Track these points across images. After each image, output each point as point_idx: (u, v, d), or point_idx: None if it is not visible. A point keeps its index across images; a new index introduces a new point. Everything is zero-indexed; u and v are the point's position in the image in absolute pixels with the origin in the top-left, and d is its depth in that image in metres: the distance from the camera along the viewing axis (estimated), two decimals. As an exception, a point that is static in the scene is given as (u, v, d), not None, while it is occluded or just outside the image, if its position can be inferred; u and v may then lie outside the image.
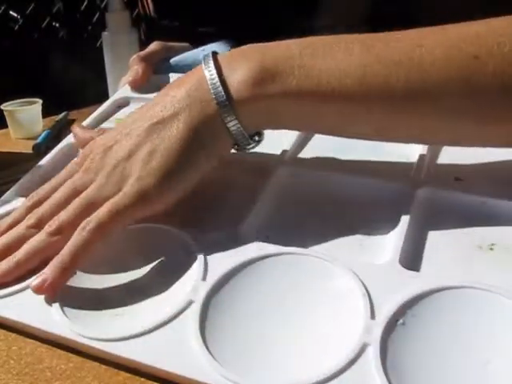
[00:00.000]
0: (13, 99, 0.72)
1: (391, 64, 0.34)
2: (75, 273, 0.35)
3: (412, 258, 0.34)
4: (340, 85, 0.34)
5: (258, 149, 0.40)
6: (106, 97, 0.73)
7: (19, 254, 0.36)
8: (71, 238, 0.34)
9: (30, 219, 0.37)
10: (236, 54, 0.37)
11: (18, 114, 0.70)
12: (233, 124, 0.36)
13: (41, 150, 0.65)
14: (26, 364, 0.31)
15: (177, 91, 0.37)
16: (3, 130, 0.72)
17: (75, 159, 0.41)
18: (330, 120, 0.37)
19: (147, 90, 0.58)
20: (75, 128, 0.48)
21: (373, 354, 0.28)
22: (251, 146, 0.38)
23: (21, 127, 0.70)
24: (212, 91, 0.36)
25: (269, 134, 0.39)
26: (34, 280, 0.33)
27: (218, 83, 0.36)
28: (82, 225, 0.34)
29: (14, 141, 0.70)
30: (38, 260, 0.36)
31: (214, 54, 0.38)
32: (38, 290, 0.33)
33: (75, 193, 0.37)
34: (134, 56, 0.59)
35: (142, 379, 0.30)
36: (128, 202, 0.35)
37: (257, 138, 0.38)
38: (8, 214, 0.41)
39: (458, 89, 0.33)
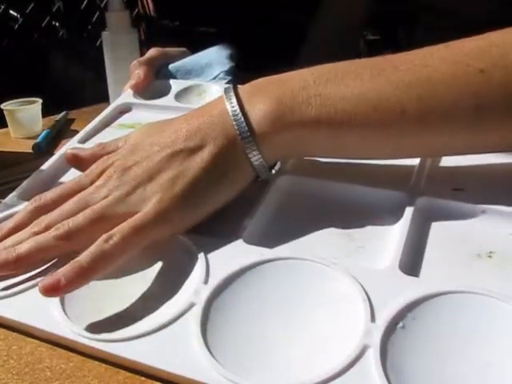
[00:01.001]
0: (12, 99, 0.72)
1: (402, 85, 0.35)
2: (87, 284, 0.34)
3: (411, 264, 0.34)
4: (355, 111, 0.35)
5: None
6: (105, 97, 0.73)
7: (21, 248, 0.35)
8: (90, 247, 0.34)
9: (36, 226, 0.37)
10: (255, 89, 0.39)
11: (17, 114, 0.70)
12: (255, 158, 0.37)
13: (40, 149, 0.65)
14: (25, 364, 0.31)
15: (199, 122, 0.38)
16: (3, 130, 0.72)
17: (85, 172, 0.40)
18: (349, 146, 0.38)
19: (149, 96, 0.58)
20: (71, 150, 0.45)
21: (373, 356, 0.28)
22: (270, 175, 0.40)
23: (21, 127, 0.70)
24: (236, 126, 0.37)
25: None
26: (45, 279, 0.33)
27: (242, 118, 0.37)
28: (103, 237, 0.34)
29: (14, 140, 0.70)
30: (39, 258, 0.35)
31: (235, 87, 0.39)
32: (47, 289, 0.32)
33: (87, 207, 0.37)
34: (134, 62, 0.60)
35: (143, 378, 0.30)
36: (150, 222, 0.35)
37: (276, 167, 0.41)
38: (10, 217, 0.41)
39: (468, 103, 0.34)
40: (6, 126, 0.71)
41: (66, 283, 0.32)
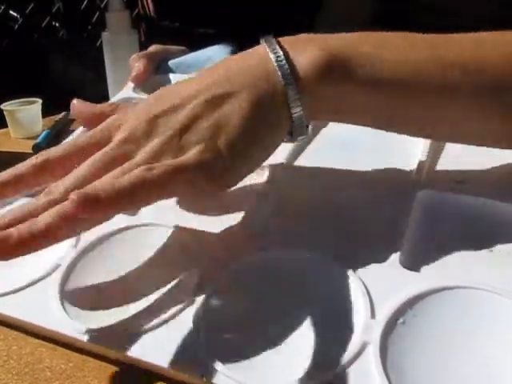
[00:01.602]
0: (13, 99, 0.72)
1: (460, 58, 0.34)
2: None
3: (412, 259, 0.34)
4: (413, 75, 0.34)
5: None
6: (105, 97, 0.73)
7: (43, 219, 0.29)
8: (130, 173, 0.30)
9: (51, 194, 0.31)
10: (299, 39, 0.36)
11: (17, 114, 0.70)
12: (296, 109, 0.34)
13: (40, 149, 0.64)
14: (25, 364, 0.31)
15: (237, 66, 0.35)
16: (3, 130, 0.72)
17: (99, 127, 0.36)
18: (394, 112, 0.36)
19: (148, 91, 0.58)
20: (77, 103, 0.42)
21: (373, 352, 0.28)
22: (302, 137, 0.36)
23: (21, 127, 0.70)
24: (278, 71, 0.34)
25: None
26: (83, 192, 0.28)
27: (285, 63, 0.34)
28: (144, 166, 0.30)
29: (14, 140, 0.70)
30: (67, 232, 0.30)
31: (271, 37, 0.36)
32: (85, 202, 0.28)
33: (112, 164, 0.32)
34: (134, 55, 0.60)
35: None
36: (192, 167, 0.32)
37: (308, 130, 0.37)
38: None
39: None
40: (6, 126, 0.71)
41: (106, 202, 0.28)
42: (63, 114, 0.76)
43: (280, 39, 0.36)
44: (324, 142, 0.39)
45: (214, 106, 0.33)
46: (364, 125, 0.38)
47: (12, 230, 0.29)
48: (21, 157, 0.63)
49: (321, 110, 0.35)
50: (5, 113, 0.70)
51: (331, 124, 0.48)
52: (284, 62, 0.34)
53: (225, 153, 0.33)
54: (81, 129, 0.52)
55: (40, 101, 0.71)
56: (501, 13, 0.40)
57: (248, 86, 0.34)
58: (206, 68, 0.37)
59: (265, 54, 0.34)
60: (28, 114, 0.71)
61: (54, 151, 0.35)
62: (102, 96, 0.74)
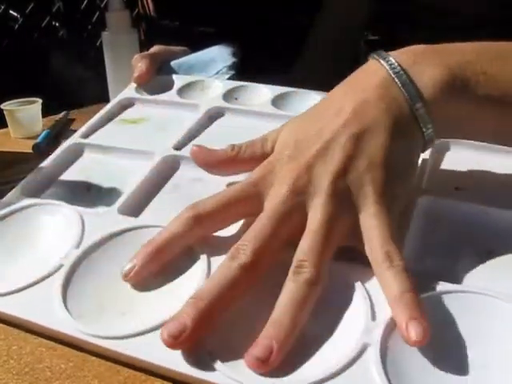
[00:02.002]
0: (12, 99, 0.72)
1: None
2: None
3: (411, 263, 0.34)
4: None
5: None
6: (105, 96, 0.73)
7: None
8: None
9: (238, 258, 0.31)
10: (415, 56, 0.36)
11: (17, 114, 0.70)
12: (428, 130, 0.35)
13: (40, 149, 0.64)
14: (25, 363, 0.31)
15: (365, 94, 0.35)
16: (3, 130, 0.72)
17: (248, 180, 0.35)
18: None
19: (151, 91, 0.58)
20: (198, 149, 0.40)
21: (373, 354, 0.28)
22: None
23: (20, 127, 0.70)
24: (406, 95, 0.34)
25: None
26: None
27: (412, 88, 0.34)
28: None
29: (14, 140, 0.70)
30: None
31: (385, 52, 0.36)
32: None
33: (288, 219, 0.33)
34: (136, 56, 0.60)
35: (143, 378, 0.30)
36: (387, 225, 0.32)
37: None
38: (9, 215, 0.41)
39: None
40: (6, 126, 0.71)
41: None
42: (63, 113, 0.76)
43: (395, 55, 0.36)
44: None
45: (360, 141, 0.34)
46: (494, 142, 0.39)
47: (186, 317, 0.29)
48: (21, 157, 0.63)
49: (445, 129, 0.36)
50: (5, 113, 0.70)
51: None
52: (410, 84, 0.34)
53: (386, 186, 0.33)
54: (82, 130, 0.52)
55: (40, 101, 0.71)
56: (501, 13, 0.40)
57: (383, 115, 0.34)
58: (320, 106, 0.37)
59: (384, 75, 0.35)
60: (28, 113, 0.70)
61: (204, 206, 0.34)
62: (102, 96, 0.74)
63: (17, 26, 1.61)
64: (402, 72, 0.34)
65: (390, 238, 0.31)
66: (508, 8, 0.40)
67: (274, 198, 0.33)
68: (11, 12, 1.62)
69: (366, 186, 0.33)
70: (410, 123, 0.34)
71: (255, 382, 0.28)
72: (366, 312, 0.30)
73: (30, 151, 0.64)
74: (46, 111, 0.74)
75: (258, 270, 0.31)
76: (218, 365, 0.28)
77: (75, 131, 0.52)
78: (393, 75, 0.34)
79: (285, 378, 0.28)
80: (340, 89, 0.37)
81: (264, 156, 0.37)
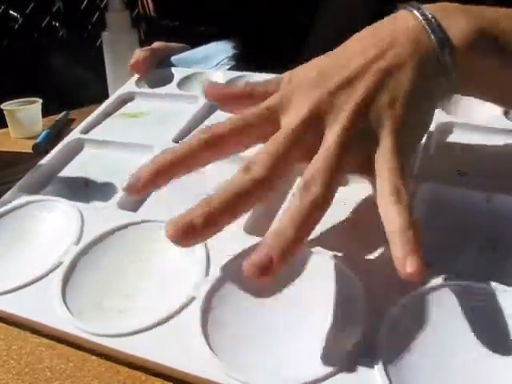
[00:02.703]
0: (12, 99, 0.72)
1: None
2: None
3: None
4: None
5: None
6: (105, 96, 0.73)
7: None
8: None
9: (251, 172, 0.31)
10: (447, 8, 0.36)
11: (17, 114, 0.70)
12: (452, 78, 0.35)
13: (40, 149, 0.65)
14: (25, 364, 0.31)
15: (394, 35, 0.35)
16: (3, 130, 0.72)
17: (259, 108, 0.35)
18: None
19: (151, 85, 0.58)
20: (211, 84, 0.40)
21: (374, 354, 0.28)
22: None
23: (20, 127, 0.70)
24: (434, 41, 0.34)
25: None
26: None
27: (441, 35, 0.34)
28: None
29: (14, 140, 0.70)
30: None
31: (416, 3, 0.36)
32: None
33: (303, 143, 0.32)
34: (137, 50, 0.60)
35: (143, 378, 0.30)
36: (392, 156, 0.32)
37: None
38: (9, 213, 0.41)
39: None
40: (6, 126, 0.71)
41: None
42: (63, 113, 0.76)
43: (426, 6, 0.36)
44: None
45: (385, 81, 0.34)
46: (494, 101, 0.39)
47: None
48: (21, 157, 0.63)
49: (467, 81, 0.36)
50: (5, 113, 0.70)
51: None
52: (439, 32, 0.34)
53: (406, 124, 0.33)
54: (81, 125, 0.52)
55: (40, 101, 0.71)
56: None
57: (410, 56, 0.34)
58: (352, 39, 0.37)
59: (416, 22, 0.35)
60: (28, 113, 0.70)
61: (221, 127, 0.34)
62: (102, 96, 0.74)
63: (17, 25, 1.61)
64: (433, 20, 0.35)
65: (400, 173, 0.31)
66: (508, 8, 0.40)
67: (292, 119, 0.33)
68: (11, 12, 1.62)
69: (385, 121, 0.33)
70: (435, 69, 0.34)
71: (257, 380, 0.28)
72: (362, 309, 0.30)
73: (30, 151, 0.64)
74: (46, 111, 0.74)
75: (269, 186, 0.31)
76: (218, 362, 0.28)
77: (75, 131, 0.52)
78: (423, 22, 0.35)
79: (285, 375, 0.28)
80: (366, 31, 0.37)
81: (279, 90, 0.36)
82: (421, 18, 0.35)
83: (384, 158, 0.32)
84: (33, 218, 0.40)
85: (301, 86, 0.35)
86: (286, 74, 0.37)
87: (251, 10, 0.75)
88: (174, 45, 0.65)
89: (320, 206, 0.30)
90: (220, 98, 0.39)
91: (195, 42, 0.67)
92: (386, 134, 0.32)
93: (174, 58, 0.62)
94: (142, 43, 0.75)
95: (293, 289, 0.32)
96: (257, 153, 0.32)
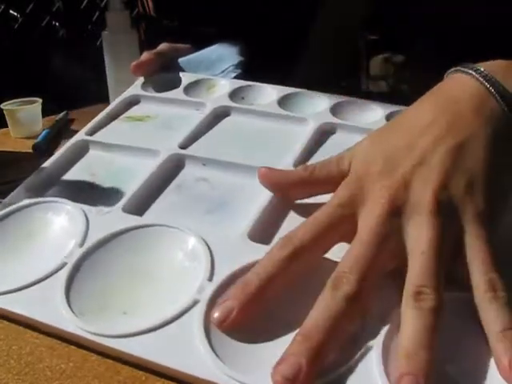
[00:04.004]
0: (12, 99, 0.72)
1: None
2: None
3: None
4: None
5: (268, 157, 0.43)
6: (105, 96, 0.73)
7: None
8: None
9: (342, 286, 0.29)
10: (504, 69, 0.34)
11: (17, 114, 0.70)
12: None
13: (40, 149, 0.65)
14: (25, 364, 0.31)
15: (458, 105, 0.33)
16: (3, 130, 0.72)
17: (334, 202, 0.33)
18: None
19: (158, 89, 0.58)
20: (266, 170, 0.39)
21: (375, 355, 0.28)
22: None
23: (21, 126, 0.70)
24: (504, 106, 0.33)
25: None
26: None
27: (510, 99, 0.33)
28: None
29: (14, 140, 0.70)
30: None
31: (472, 64, 0.34)
32: None
33: (387, 247, 0.30)
34: (144, 53, 0.60)
35: (143, 378, 0.30)
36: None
37: None
38: (10, 215, 0.40)
39: None
40: (6, 126, 0.71)
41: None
42: (63, 113, 0.76)
43: (483, 66, 0.34)
44: (333, 148, 0.41)
45: (458, 156, 0.32)
46: None
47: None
48: (21, 157, 0.63)
49: None
50: (5, 113, 0.70)
51: (339, 132, 0.49)
52: (507, 95, 0.32)
53: (492, 201, 0.31)
54: (84, 131, 0.52)
55: (40, 100, 0.71)
56: (501, 16, 0.40)
57: (480, 126, 0.32)
58: (412, 110, 0.35)
59: (480, 86, 0.33)
60: (28, 113, 0.70)
61: (299, 237, 0.32)
62: (101, 96, 0.74)
63: (17, 25, 1.61)
64: (497, 83, 0.33)
65: (492, 264, 0.29)
66: (508, 8, 0.40)
67: (369, 220, 0.31)
68: (11, 12, 1.62)
69: (467, 204, 0.31)
70: (510, 136, 0.32)
71: (258, 381, 0.28)
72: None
73: (30, 151, 0.64)
74: (46, 111, 0.74)
75: (362, 300, 0.29)
76: (221, 364, 0.28)
77: (75, 131, 0.52)
78: (488, 86, 0.33)
79: None
80: (428, 100, 0.35)
81: (341, 175, 0.35)
82: (485, 82, 0.33)
83: (474, 247, 0.30)
84: (38, 219, 0.40)
85: (369, 175, 0.33)
86: (346, 156, 0.35)
87: (251, 10, 0.75)
88: (179, 46, 0.65)
89: (441, 310, 0.28)
90: (278, 186, 0.38)
91: (195, 42, 0.67)
92: (470, 219, 0.30)
93: (181, 60, 0.62)
94: (142, 43, 0.75)
95: (294, 292, 0.32)
96: (340, 265, 0.30)
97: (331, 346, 0.28)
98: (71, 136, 0.51)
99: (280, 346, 0.29)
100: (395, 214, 0.31)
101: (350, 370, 0.28)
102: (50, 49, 1.58)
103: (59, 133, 0.71)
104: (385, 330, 0.29)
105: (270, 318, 0.31)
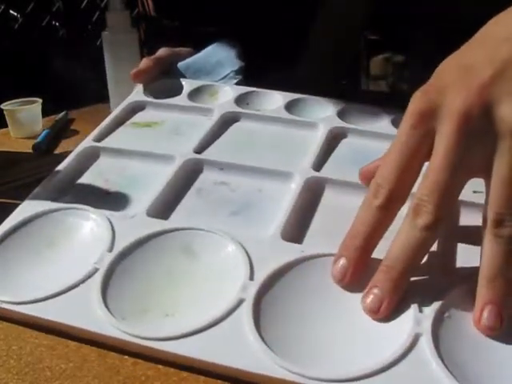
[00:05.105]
0: (12, 99, 0.72)
1: None
2: None
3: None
4: None
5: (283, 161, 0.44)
6: (105, 96, 0.73)
7: None
8: None
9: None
10: None
11: (17, 114, 0.70)
12: None
13: (40, 149, 0.64)
14: (25, 363, 0.31)
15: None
16: (3, 130, 0.72)
17: (411, 116, 0.31)
18: None
19: (160, 95, 0.58)
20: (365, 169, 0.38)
21: (426, 343, 0.29)
22: None
23: (21, 127, 0.70)
24: None
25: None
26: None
27: None
28: None
29: (14, 140, 0.70)
30: None
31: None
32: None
33: (467, 165, 0.29)
34: (144, 59, 0.60)
35: (143, 378, 0.30)
36: None
37: None
38: (35, 218, 0.40)
39: None
40: (6, 126, 0.71)
41: None
42: (63, 113, 0.76)
43: None
44: (345, 152, 0.41)
45: None
46: None
47: None
48: (21, 157, 0.63)
49: None
50: (5, 113, 0.70)
51: (350, 136, 0.50)
52: None
53: None
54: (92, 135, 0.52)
55: (40, 101, 0.71)
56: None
57: None
58: (491, 25, 0.33)
59: None
60: (28, 113, 0.70)
61: (388, 184, 0.31)
62: (101, 96, 0.74)
63: (17, 25, 1.61)
64: None
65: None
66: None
67: (445, 140, 0.29)
68: (11, 12, 1.62)
69: None
70: None
71: (315, 373, 0.28)
72: (413, 305, 0.31)
73: (30, 151, 0.64)
74: (46, 111, 0.74)
75: (441, 227, 0.30)
76: (276, 358, 0.29)
77: (75, 131, 0.52)
78: None
79: (341, 371, 0.28)
80: (505, 15, 0.33)
81: None
82: None
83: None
84: (61, 225, 0.40)
85: (444, 87, 0.31)
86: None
87: (251, 10, 0.75)
88: (179, 50, 0.65)
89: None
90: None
91: (195, 42, 0.67)
92: None
93: (180, 65, 0.62)
94: (142, 43, 0.75)
95: (338, 287, 0.33)
96: (420, 191, 0.30)
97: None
98: (71, 136, 0.51)
99: (332, 336, 0.30)
100: (472, 133, 0.29)
101: (404, 359, 0.28)
102: (50, 49, 1.58)
103: (59, 133, 0.71)
104: (429, 319, 0.30)
105: (320, 309, 0.32)
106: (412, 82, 0.69)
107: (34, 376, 0.30)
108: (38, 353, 0.32)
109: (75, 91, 1.27)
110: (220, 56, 0.64)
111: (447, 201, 0.29)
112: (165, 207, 0.42)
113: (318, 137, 0.49)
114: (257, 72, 0.61)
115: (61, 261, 0.37)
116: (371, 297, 0.31)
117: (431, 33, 0.59)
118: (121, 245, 0.37)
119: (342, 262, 0.32)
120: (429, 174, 0.30)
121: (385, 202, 0.31)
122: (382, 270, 0.31)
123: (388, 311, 0.30)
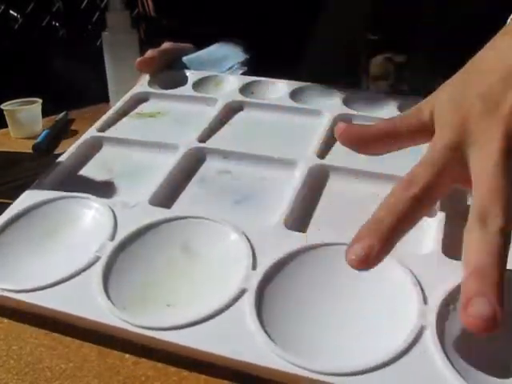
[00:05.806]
0: (12, 99, 0.72)
1: None
2: None
3: (454, 248, 0.34)
4: None
5: (288, 149, 0.44)
6: (105, 96, 0.73)
7: None
8: None
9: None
10: None
11: (17, 114, 0.70)
12: None
13: (40, 149, 0.65)
14: (25, 364, 0.31)
15: None
16: (3, 130, 0.72)
17: (440, 142, 0.32)
18: None
19: (165, 86, 0.58)
20: (347, 127, 0.37)
21: (431, 335, 0.28)
22: None
23: (21, 127, 0.70)
24: None
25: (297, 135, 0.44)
26: None
27: None
28: None
29: (14, 140, 0.70)
30: None
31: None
32: None
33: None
34: (148, 51, 0.60)
35: (143, 378, 0.30)
36: None
37: None
38: (37, 206, 0.40)
39: None
40: (6, 126, 0.71)
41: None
42: (63, 113, 0.76)
43: None
44: None
45: None
46: None
47: None
48: (21, 157, 0.63)
49: None
50: (5, 113, 0.70)
51: (356, 122, 0.49)
52: None
53: None
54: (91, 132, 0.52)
55: (40, 101, 0.71)
56: (501, 14, 0.40)
57: None
58: (486, 53, 0.34)
59: None
60: (28, 114, 0.70)
61: (422, 176, 0.31)
62: (101, 96, 0.74)
63: (17, 25, 1.61)
64: None
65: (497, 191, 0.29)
66: (508, 9, 0.40)
67: (485, 162, 0.30)
68: (11, 12, 1.62)
69: None
70: None
71: (317, 366, 0.28)
72: (417, 298, 0.30)
73: (30, 151, 0.64)
74: (46, 111, 0.74)
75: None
76: (280, 351, 0.29)
77: (75, 131, 0.52)
78: None
79: (344, 364, 0.28)
80: (502, 38, 0.34)
81: (423, 127, 0.34)
82: None
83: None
84: (63, 214, 0.40)
85: (471, 117, 0.32)
86: (425, 108, 0.35)
87: (251, 10, 0.75)
88: (183, 45, 0.65)
89: None
90: (360, 142, 0.36)
91: (195, 42, 0.67)
92: None
93: (185, 58, 0.62)
94: (142, 43, 0.75)
95: (342, 280, 0.32)
96: (477, 203, 0.29)
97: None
98: (71, 136, 0.51)
99: (335, 327, 0.30)
100: (510, 151, 0.30)
101: (409, 352, 0.28)
102: (50, 49, 1.58)
103: (59, 133, 0.71)
104: (435, 312, 0.29)
105: (324, 300, 0.31)
106: (412, 82, 0.69)
107: (34, 376, 0.30)
108: (37, 353, 0.32)
109: (75, 91, 1.27)
110: (225, 51, 0.65)
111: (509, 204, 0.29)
112: (168, 196, 0.42)
113: (323, 124, 0.49)
114: (257, 72, 0.61)
115: (62, 249, 0.37)
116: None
117: (431, 33, 0.59)
118: (122, 234, 0.37)
119: (363, 244, 0.29)
120: (477, 195, 0.30)
121: (420, 193, 0.30)
122: (472, 280, 0.27)
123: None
